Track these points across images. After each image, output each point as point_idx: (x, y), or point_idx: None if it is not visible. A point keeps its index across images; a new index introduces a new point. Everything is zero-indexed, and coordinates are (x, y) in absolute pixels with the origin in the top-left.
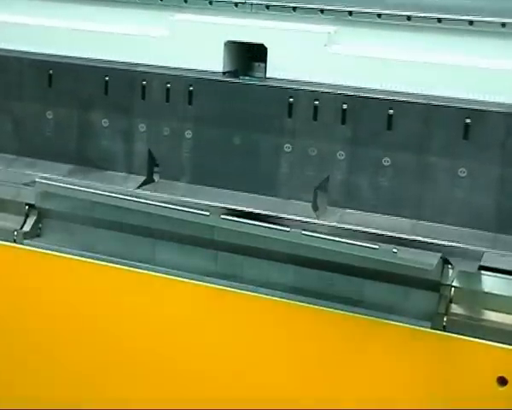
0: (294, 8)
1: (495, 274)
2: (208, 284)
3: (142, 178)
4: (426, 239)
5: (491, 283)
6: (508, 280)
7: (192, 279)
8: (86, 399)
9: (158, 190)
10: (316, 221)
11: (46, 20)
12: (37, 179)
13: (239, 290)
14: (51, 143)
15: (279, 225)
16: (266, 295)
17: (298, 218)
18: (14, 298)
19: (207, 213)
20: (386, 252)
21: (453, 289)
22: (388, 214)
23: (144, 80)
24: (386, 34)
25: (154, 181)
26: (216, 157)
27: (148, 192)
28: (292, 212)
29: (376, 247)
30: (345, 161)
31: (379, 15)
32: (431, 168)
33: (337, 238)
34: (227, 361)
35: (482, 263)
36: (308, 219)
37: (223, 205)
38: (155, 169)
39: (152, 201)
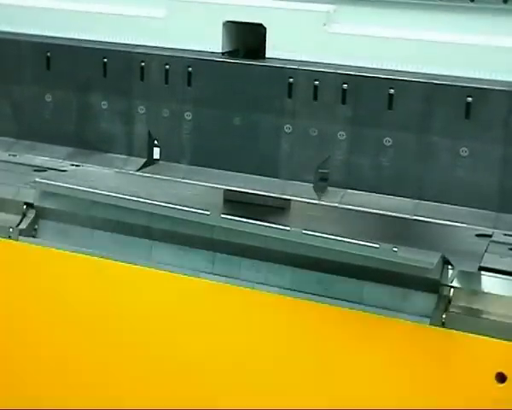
0: None
1: (495, 275)
2: (206, 279)
3: (142, 160)
4: (428, 219)
5: (491, 283)
6: (508, 281)
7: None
8: (84, 394)
9: (158, 172)
10: (317, 202)
11: (43, 1)
12: (36, 179)
13: (237, 286)
14: (50, 125)
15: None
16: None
17: (299, 198)
18: (10, 293)
19: (207, 213)
20: (386, 251)
21: (453, 289)
22: (390, 195)
23: (143, 62)
24: (387, 13)
25: (154, 163)
26: (216, 138)
27: (147, 176)
28: (293, 193)
29: (376, 245)
30: (346, 141)
31: None
32: (432, 148)
33: (336, 237)
34: (226, 357)
35: (482, 264)
36: (309, 200)
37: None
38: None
39: (150, 200)
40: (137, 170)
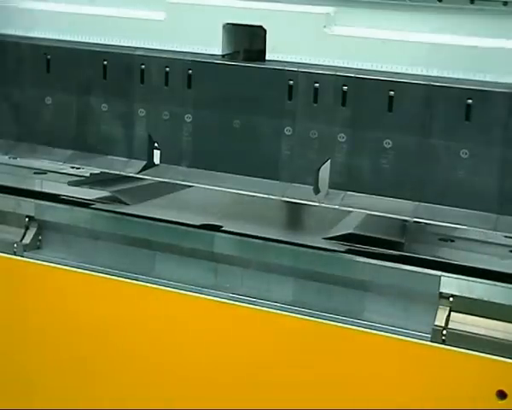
0: None
1: (495, 282)
2: (207, 297)
3: (142, 163)
4: (428, 221)
5: (491, 291)
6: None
7: (192, 292)
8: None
9: (159, 174)
10: (317, 204)
11: (42, 4)
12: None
13: (238, 303)
14: (50, 128)
15: None
16: (266, 307)
17: (299, 201)
18: (13, 310)
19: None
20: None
21: (452, 298)
22: (390, 197)
23: (143, 64)
24: (387, 15)
25: (154, 166)
26: (216, 141)
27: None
28: (293, 195)
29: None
30: (346, 143)
31: None
32: (433, 150)
33: (337, 253)
34: (227, 375)
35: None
36: (309, 203)
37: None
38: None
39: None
40: (137, 173)
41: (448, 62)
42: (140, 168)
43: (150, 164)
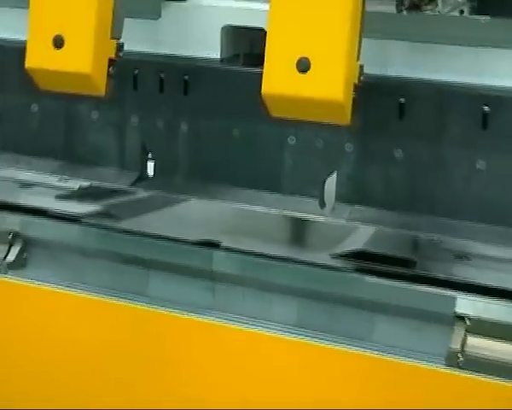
0: None
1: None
2: (205, 318)
3: (135, 175)
4: (443, 237)
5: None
6: None
7: (188, 313)
8: None
9: (153, 187)
10: (323, 219)
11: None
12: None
13: (238, 325)
14: (36, 137)
15: None
16: (268, 329)
17: (303, 215)
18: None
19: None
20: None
21: (468, 320)
22: (401, 210)
23: (136, 69)
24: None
25: (148, 177)
26: (214, 151)
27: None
28: (297, 209)
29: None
30: (353, 153)
31: None
32: (446, 160)
33: (345, 271)
34: (226, 403)
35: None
36: (315, 217)
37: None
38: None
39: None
40: (130, 185)
41: (463, 66)
42: (132, 180)
43: (143, 176)
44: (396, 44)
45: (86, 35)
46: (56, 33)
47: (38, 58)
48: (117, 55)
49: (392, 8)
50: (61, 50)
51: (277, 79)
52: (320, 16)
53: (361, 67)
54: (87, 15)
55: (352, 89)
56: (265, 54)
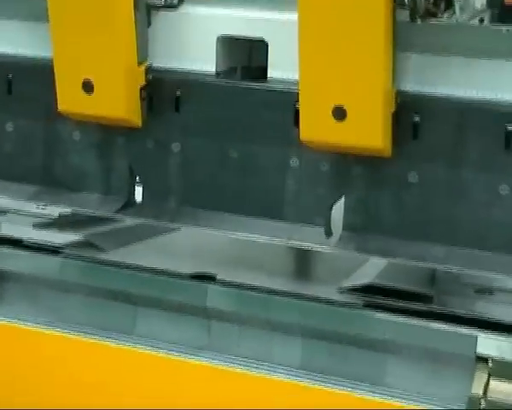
0: None
1: None
2: (199, 359)
3: (121, 200)
4: (462, 270)
5: None
6: None
7: (179, 354)
8: None
9: (141, 214)
10: (329, 249)
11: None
12: None
13: (235, 367)
14: (12, 160)
15: None
16: (269, 372)
17: (308, 245)
18: None
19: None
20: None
21: (491, 361)
22: (416, 240)
23: None
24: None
25: (135, 203)
26: (209, 174)
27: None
28: (301, 238)
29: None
30: (362, 177)
31: None
32: (466, 185)
33: (354, 307)
34: None
35: None
36: (320, 247)
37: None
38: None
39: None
40: (116, 212)
41: (483, 82)
42: (118, 207)
43: (131, 202)
44: (409, 56)
45: (116, 78)
46: (85, 77)
47: (70, 102)
48: (147, 79)
49: (405, 16)
50: (92, 96)
51: (315, 127)
52: (353, 61)
53: (396, 92)
54: (114, 55)
55: (390, 119)
56: (300, 99)
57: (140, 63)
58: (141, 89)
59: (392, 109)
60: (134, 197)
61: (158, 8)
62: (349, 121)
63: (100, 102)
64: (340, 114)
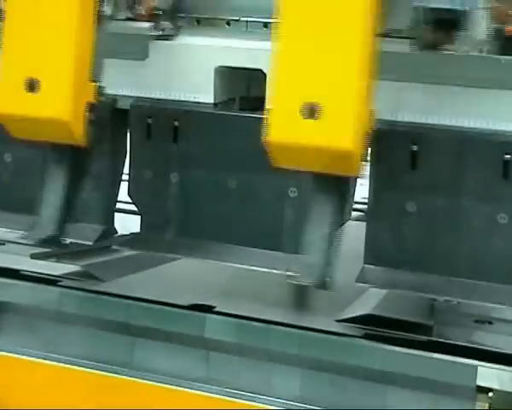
0: None
1: None
2: (197, 391)
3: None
4: (461, 300)
5: None
6: None
7: (178, 386)
8: None
9: (139, 245)
10: (328, 279)
11: None
12: None
13: (235, 399)
14: (11, 190)
15: None
16: (268, 405)
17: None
18: None
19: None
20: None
21: (492, 393)
22: (416, 271)
23: None
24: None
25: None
26: (207, 204)
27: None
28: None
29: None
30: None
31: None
32: (464, 214)
33: (353, 338)
34: None
35: None
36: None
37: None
38: None
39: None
40: (95, 241)
41: (481, 111)
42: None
43: (109, 231)
44: (409, 87)
45: (63, 78)
46: (30, 76)
47: (10, 103)
48: (96, 98)
49: (405, 48)
50: (34, 95)
51: (282, 126)
52: (328, 57)
53: (373, 112)
54: (64, 57)
55: (363, 138)
56: (269, 98)
57: (92, 80)
58: (88, 106)
59: (368, 128)
60: (112, 225)
61: (156, 38)
62: (319, 120)
63: (42, 102)
64: (310, 111)
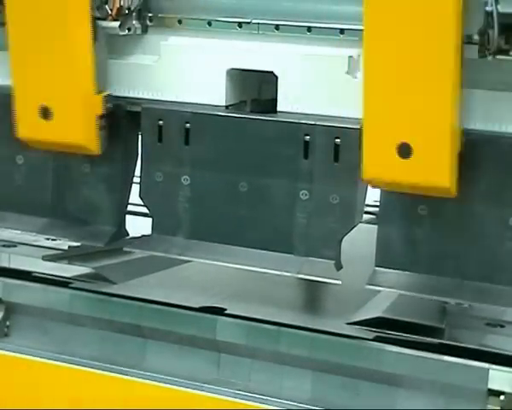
0: (309, 29)
1: None
2: (208, 393)
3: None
4: (473, 303)
5: None
6: None
7: (189, 388)
8: None
9: (151, 247)
10: (339, 282)
11: None
12: None
13: (245, 401)
14: (22, 192)
15: None
16: (279, 407)
17: (318, 278)
18: None
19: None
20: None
21: (503, 396)
22: (427, 273)
23: None
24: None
25: (124, 235)
26: (219, 207)
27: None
28: (310, 271)
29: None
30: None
31: None
32: (475, 216)
33: (364, 341)
34: None
35: None
36: (330, 280)
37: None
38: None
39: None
40: (106, 243)
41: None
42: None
43: (120, 233)
44: (478, 93)
45: (73, 105)
46: (42, 103)
47: (28, 129)
48: (105, 108)
49: (473, 53)
50: (49, 122)
51: (379, 164)
52: (419, 97)
53: (463, 131)
54: (71, 83)
55: (455, 161)
56: (363, 136)
57: (99, 92)
58: (100, 117)
59: (459, 149)
60: (124, 228)
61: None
62: (415, 159)
63: (57, 128)
64: (405, 151)
